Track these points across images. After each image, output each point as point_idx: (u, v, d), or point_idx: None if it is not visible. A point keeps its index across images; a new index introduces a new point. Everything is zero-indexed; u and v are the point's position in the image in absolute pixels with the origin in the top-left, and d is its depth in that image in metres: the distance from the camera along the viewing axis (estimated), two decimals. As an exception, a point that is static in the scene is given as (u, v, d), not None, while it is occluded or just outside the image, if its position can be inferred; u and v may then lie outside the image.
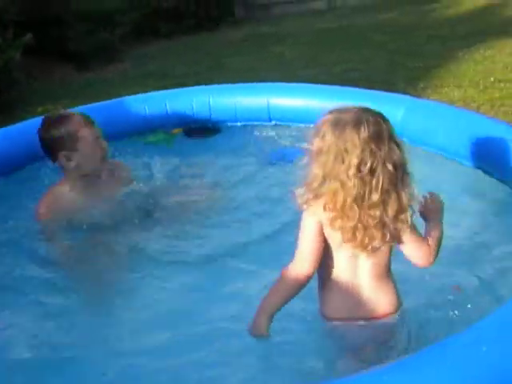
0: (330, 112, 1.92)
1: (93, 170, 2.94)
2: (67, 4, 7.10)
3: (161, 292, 2.48)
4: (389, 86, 5.79)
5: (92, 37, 7.15)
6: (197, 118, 3.92)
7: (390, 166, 1.82)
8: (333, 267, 1.98)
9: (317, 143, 1.88)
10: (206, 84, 4.53)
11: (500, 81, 5.72)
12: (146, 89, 5.87)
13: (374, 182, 1.83)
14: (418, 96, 5.37)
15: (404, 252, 2.02)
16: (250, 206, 3.00)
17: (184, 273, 2.58)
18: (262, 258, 2.57)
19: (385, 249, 1.96)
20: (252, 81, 5.61)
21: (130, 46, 7.99)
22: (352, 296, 1.98)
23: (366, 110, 1.89)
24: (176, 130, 4.04)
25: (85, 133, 2.86)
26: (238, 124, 3.97)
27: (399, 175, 1.86)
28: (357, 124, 1.83)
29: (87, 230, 2.88)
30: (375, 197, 1.84)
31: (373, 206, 1.85)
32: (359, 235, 1.88)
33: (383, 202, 1.85)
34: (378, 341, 2.02)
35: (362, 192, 1.83)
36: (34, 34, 5.88)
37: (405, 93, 5.50)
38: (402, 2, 10.76)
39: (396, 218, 1.88)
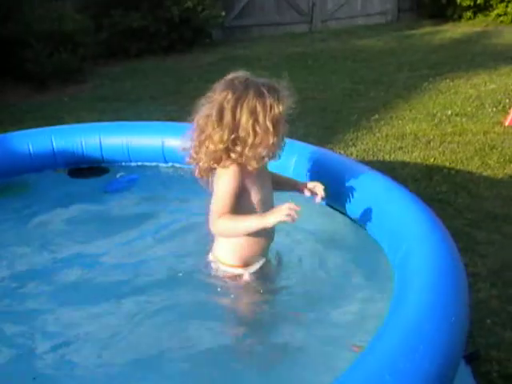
0: None
1: None
2: (28, 25, 6.96)
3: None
4: (341, 116, 5.61)
5: (52, 58, 7.00)
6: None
7: None
8: None
9: None
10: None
11: (457, 114, 5.51)
12: (94, 113, 5.75)
13: None
14: (369, 128, 5.16)
15: None
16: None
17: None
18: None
19: None
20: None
21: (96, 66, 7.88)
22: None
23: None
24: None
25: None
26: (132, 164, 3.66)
27: None
28: None
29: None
30: None
31: None
32: None
33: None
34: None
35: None
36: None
37: (356, 124, 5.31)
38: (382, 29, 10.64)
39: None
